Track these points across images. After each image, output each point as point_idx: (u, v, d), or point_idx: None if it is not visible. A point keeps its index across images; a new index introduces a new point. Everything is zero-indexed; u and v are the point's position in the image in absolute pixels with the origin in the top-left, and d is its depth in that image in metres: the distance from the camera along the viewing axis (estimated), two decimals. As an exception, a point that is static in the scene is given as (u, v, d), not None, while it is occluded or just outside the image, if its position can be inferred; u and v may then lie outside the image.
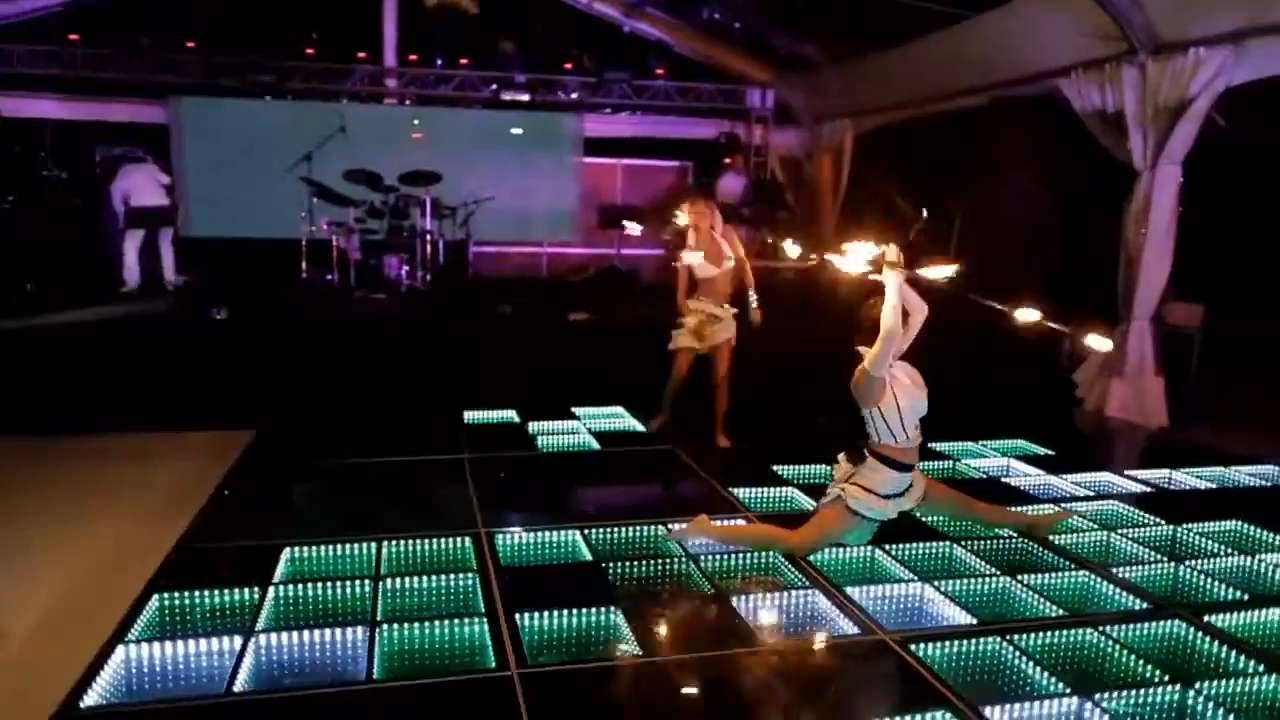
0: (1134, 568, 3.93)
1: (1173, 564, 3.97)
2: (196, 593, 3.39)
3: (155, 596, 3.36)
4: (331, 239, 9.43)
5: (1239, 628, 3.41)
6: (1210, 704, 2.83)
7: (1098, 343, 3.66)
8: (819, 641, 3.17)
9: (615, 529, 4.15)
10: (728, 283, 5.65)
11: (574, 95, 12.08)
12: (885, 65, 10.39)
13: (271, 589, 3.44)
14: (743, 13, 11.74)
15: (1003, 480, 5.20)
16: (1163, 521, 4.54)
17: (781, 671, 2.90)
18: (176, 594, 3.38)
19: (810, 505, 4.47)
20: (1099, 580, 3.78)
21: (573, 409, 6.51)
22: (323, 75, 11.22)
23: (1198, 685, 2.93)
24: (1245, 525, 4.48)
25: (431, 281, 9.48)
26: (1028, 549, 4.12)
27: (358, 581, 3.52)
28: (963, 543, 4.10)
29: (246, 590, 3.42)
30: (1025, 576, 3.76)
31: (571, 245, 12.53)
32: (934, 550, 4.06)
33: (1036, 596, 3.61)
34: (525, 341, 7.48)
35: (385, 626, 3.15)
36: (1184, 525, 4.44)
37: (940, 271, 3.54)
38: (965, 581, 3.71)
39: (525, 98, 11.66)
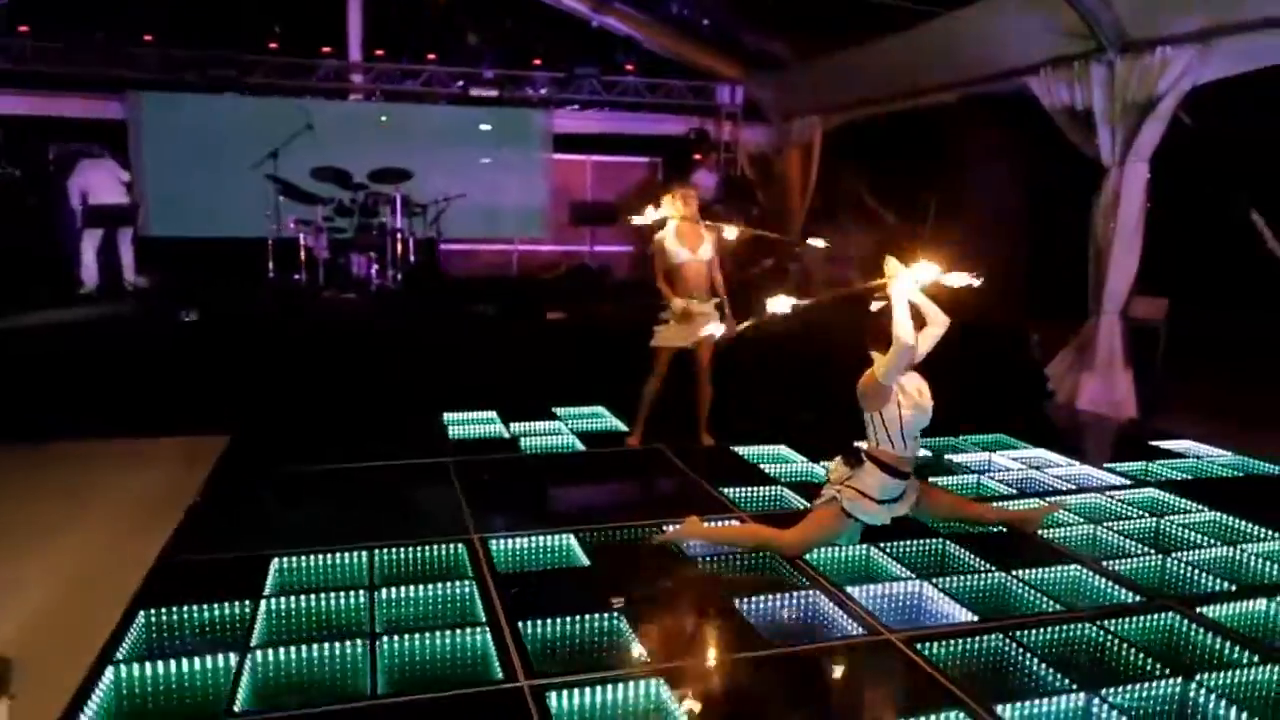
0: (1122, 561, 3.99)
1: (1160, 556, 4.04)
2: (185, 608, 3.28)
3: (141, 613, 3.24)
4: (299, 238, 9.23)
5: (1230, 618, 3.47)
6: (1212, 696, 2.88)
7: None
8: (826, 643, 3.15)
9: (610, 532, 4.12)
10: (707, 275, 5.59)
11: (543, 91, 11.96)
12: (854, 62, 10.43)
13: (263, 602, 3.35)
14: (711, 9, 11.72)
15: (986, 475, 5.25)
16: (1145, 514, 4.63)
17: (793, 675, 2.88)
18: (164, 610, 3.27)
19: (796, 501, 4.50)
20: (1091, 574, 3.83)
21: (554, 409, 6.45)
22: (286, 70, 10.97)
23: (1198, 677, 2.97)
24: (1224, 516, 4.58)
25: (402, 280, 9.33)
26: (1019, 544, 4.16)
27: (352, 592, 3.44)
28: (956, 540, 4.13)
29: (237, 604, 3.32)
30: (1020, 572, 3.79)
31: (542, 243, 12.43)
32: (929, 547, 4.08)
33: (1032, 591, 3.65)
34: (502, 341, 7.39)
35: (385, 639, 3.08)
36: (1166, 518, 4.53)
37: (960, 279, 3.55)
38: (962, 578, 3.73)
39: (494, 94, 11.52)
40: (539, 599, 3.38)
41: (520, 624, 3.17)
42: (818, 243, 3.75)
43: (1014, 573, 3.78)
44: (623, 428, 5.97)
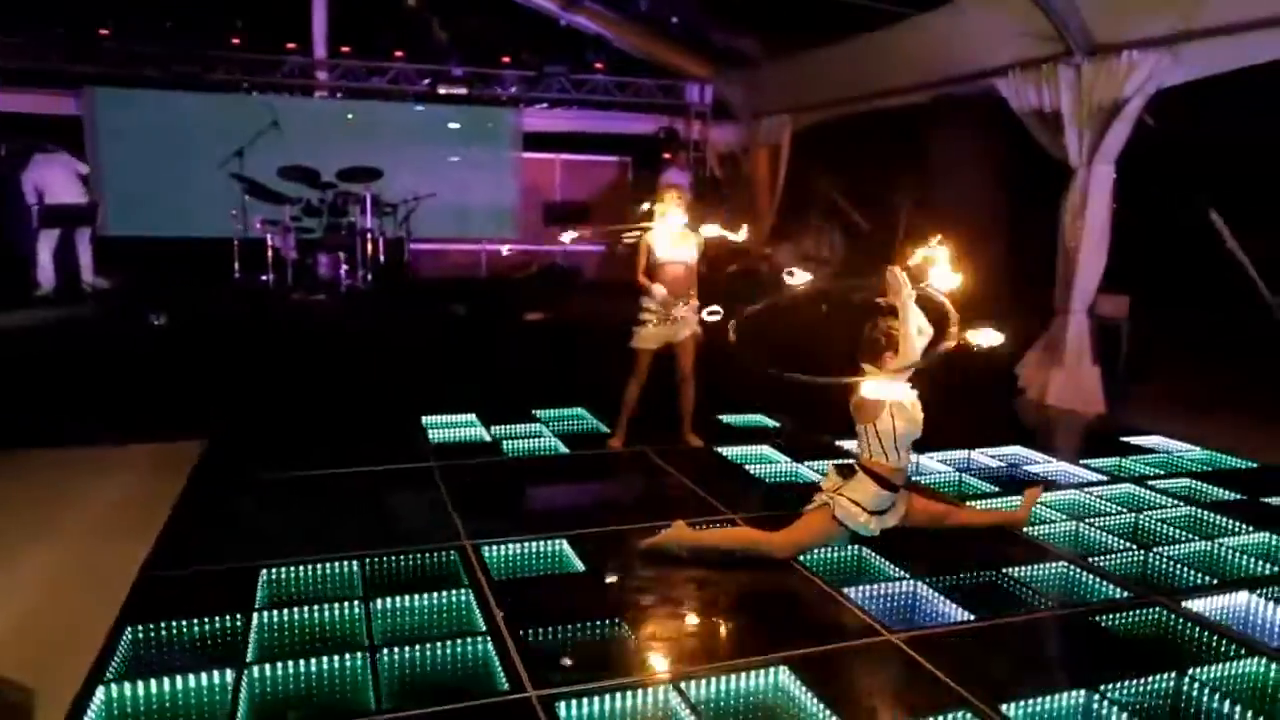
0: (1107, 556, 4.07)
1: (1142, 551, 4.13)
2: (174, 623, 3.20)
3: (129, 628, 3.15)
4: (266, 238, 9.05)
5: (1215, 611, 3.56)
6: (1205, 689, 2.94)
7: (987, 338, 3.73)
8: (830, 645, 3.16)
9: (602, 535, 4.09)
10: (689, 276, 5.58)
11: (512, 90, 11.87)
12: (824, 62, 10.51)
13: (255, 615, 3.27)
14: (681, 7, 11.72)
15: (967, 472, 5.32)
16: (1124, 509, 4.73)
17: (803, 678, 2.89)
18: (152, 625, 3.18)
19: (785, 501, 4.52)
20: (1078, 570, 3.90)
21: (534, 411, 6.40)
22: (250, 67, 10.74)
23: (1191, 671, 3.04)
24: (1198, 510, 4.69)
25: (373, 281, 9.20)
26: (1009, 542, 4.22)
27: (346, 603, 3.37)
28: (947, 538, 4.17)
29: (228, 618, 3.24)
30: (1010, 569, 3.85)
31: (511, 242, 12.33)
32: (914, 545, 4.12)
33: (1023, 589, 3.70)
34: (478, 342, 7.32)
35: (385, 650, 3.02)
36: (1144, 513, 4.63)
37: (990, 337, 3.60)
38: (954, 577, 3.77)
39: (462, 92, 11.40)
40: (538, 607, 3.35)
41: (523, 633, 3.14)
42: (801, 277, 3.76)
43: (1004, 570, 3.84)
44: (604, 429, 5.94)
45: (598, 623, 3.25)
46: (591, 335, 6.79)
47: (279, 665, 2.92)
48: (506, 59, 11.90)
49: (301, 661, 2.94)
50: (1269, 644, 3.32)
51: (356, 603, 3.38)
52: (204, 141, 9.55)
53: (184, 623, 3.20)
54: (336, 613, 3.33)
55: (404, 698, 2.80)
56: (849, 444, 5.70)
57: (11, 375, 6.16)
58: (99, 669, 2.87)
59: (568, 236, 6.30)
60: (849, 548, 3.98)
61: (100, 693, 2.75)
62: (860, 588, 3.64)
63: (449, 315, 7.46)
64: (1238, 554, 4.13)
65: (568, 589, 3.64)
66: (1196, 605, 3.58)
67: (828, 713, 2.72)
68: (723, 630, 3.27)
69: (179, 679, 2.82)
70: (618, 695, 2.77)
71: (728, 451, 5.62)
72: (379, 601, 3.39)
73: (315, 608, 3.33)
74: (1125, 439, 6.21)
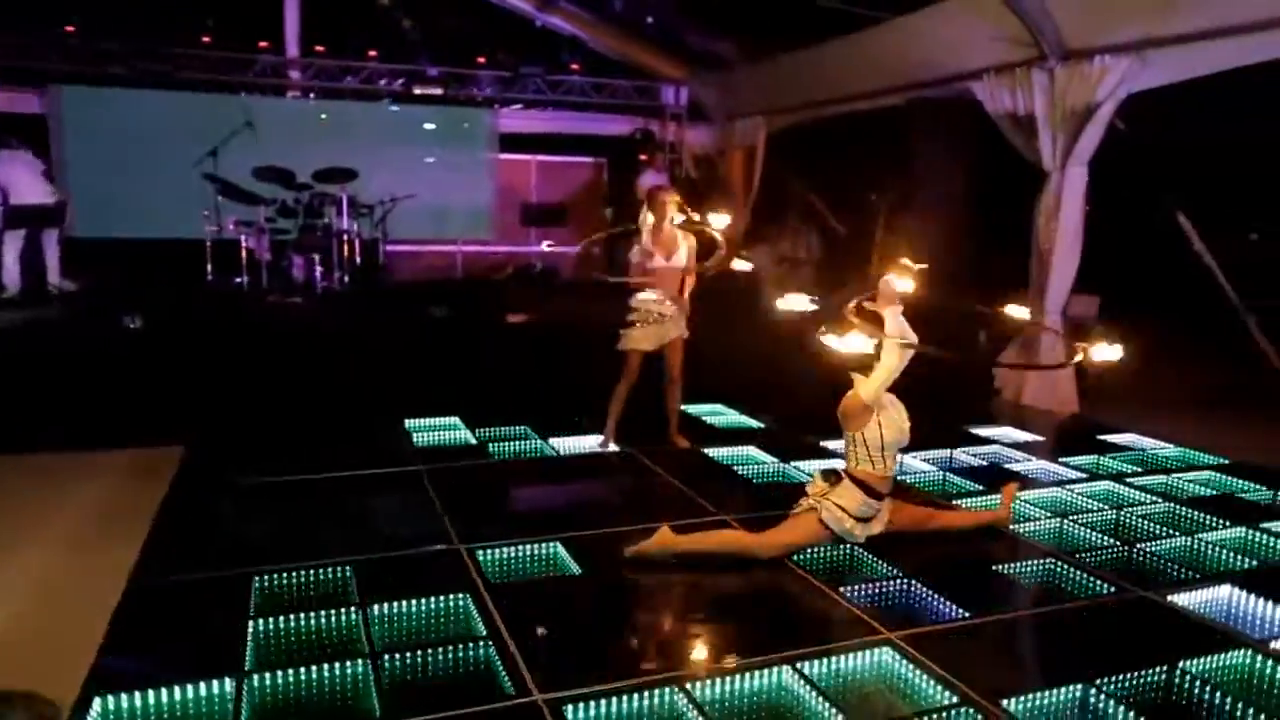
0: (1092, 553, 4.15)
1: (1126, 547, 4.22)
2: (167, 630, 3.14)
3: (121, 638, 3.09)
4: (240, 239, 8.92)
5: (1199, 605, 3.64)
6: (1195, 681, 3.01)
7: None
8: (830, 645, 3.18)
9: (596, 538, 4.09)
10: (678, 278, 5.60)
11: (488, 91, 11.81)
12: (800, 64, 10.59)
13: (250, 623, 3.22)
14: (656, 8, 11.75)
15: (949, 471, 5.39)
16: (1105, 506, 4.82)
17: (807, 678, 2.91)
18: (145, 633, 3.12)
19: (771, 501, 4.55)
20: (1064, 566, 3.97)
21: (518, 413, 6.37)
22: (221, 65, 10.57)
23: (1181, 664, 3.11)
24: (1176, 506, 4.80)
25: (349, 283, 9.10)
26: (995, 539, 4.29)
27: (343, 610, 3.34)
28: (939, 538, 4.23)
29: (224, 626, 3.19)
30: (999, 566, 3.91)
31: (487, 243, 12.29)
32: (904, 544, 4.17)
33: (1014, 586, 3.76)
34: (460, 344, 7.27)
35: (386, 656, 3.00)
36: (1124, 510, 4.72)
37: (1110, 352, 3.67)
38: (945, 575, 3.82)
39: (438, 92, 11.33)
40: (539, 610, 3.34)
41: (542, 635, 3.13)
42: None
43: (993, 567, 3.91)
44: (593, 431, 5.92)
45: (599, 624, 3.24)
46: (578, 337, 6.77)
47: (279, 674, 2.88)
48: (482, 59, 11.84)
49: (302, 669, 2.90)
50: (1252, 636, 3.41)
51: (353, 608, 3.34)
52: (175, 141, 9.39)
53: (178, 630, 3.15)
54: (333, 619, 3.29)
55: (407, 704, 2.77)
56: (832, 444, 5.78)
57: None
58: (94, 677, 2.81)
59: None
60: (841, 548, 4.02)
61: (97, 704, 2.70)
62: (855, 587, 3.67)
63: (429, 317, 7.40)
64: (1217, 548, 4.24)
65: (566, 592, 3.63)
66: (1181, 600, 3.66)
67: (833, 711, 2.74)
68: (723, 631, 3.28)
69: (178, 689, 2.77)
70: (624, 697, 2.77)
71: (714, 452, 5.64)
72: (376, 607, 3.36)
73: (311, 614, 3.30)
74: (1101, 437, 6.33)
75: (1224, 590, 3.78)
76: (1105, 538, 4.34)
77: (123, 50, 10.01)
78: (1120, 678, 3.00)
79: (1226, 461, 5.70)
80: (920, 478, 5.26)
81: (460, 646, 3.07)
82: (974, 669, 3.01)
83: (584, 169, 12.89)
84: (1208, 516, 4.63)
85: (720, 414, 6.78)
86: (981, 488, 5.01)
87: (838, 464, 4.10)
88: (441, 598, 3.44)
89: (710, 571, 3.77)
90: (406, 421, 6.12)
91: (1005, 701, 2.82)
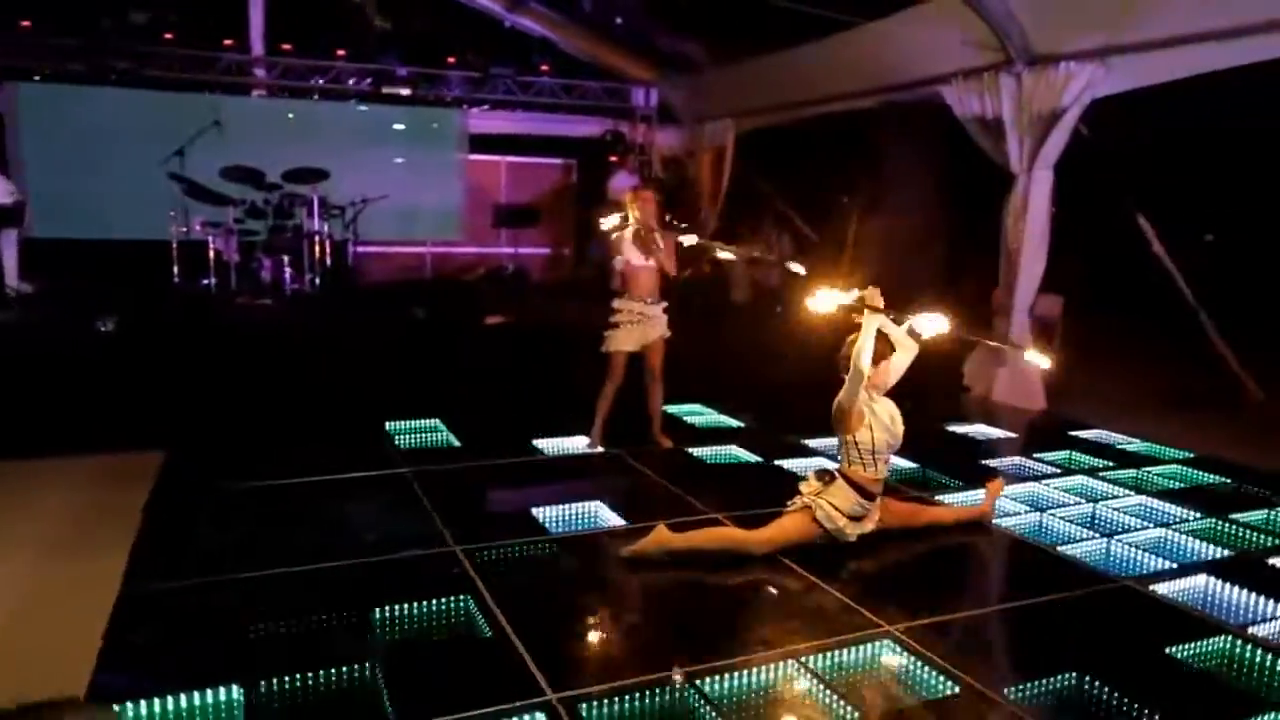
0: (1074, 545, 4.27)
1: (1105, 539, 4.35)
2: (168, 641, 3.09)
3: (117, 648, 3.04)
4: (207, 240, 8.77)
5: (1179, 594, 3.78)
6: (1181, 667, 3.13)
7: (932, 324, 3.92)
8: (833, 639, 3.24)
9: (593, 539, 4.12)
10: (658, 280, 5.64)
11: (457, 91, 11.75)
12: (769, 67, 10.70)
13: (253, 629, 3.19)
14: (625, 10, 11.79)
15: (928, 467, 5.50)
16: (1081, 499, 4.96)
17: (811, 673, 2.97)
18: (141, 642, 3.07)
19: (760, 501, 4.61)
20: (1049, 559, 4.08)
21: (501, 415, 6.36)
22: (185, 63, 10.37)
23: (1167, 649, 3.22)
24: (1149, 499, 4.96)
25: (320, 285, 8.99)
26: (980, 534, 4.39)
27: (346, 612, 3.32)
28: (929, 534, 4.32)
29: (227, 633, 3.15)
30: (989, 561, 4.01)
31: (455, 244, 12.23)
32: (895, 542, 4.25)
33: (1003, 579, 3.86)
34: (437, 345, 7.23)
35: (394, 660, 2.98)
36: (1100, 503, 4.87)
37: (933, 323, 3.75)
38: (936, 570, 3.91)
39: (407, 92, 11.23)
40: (543, 610, 3.35)
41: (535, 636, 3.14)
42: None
43: (982, 562, 4.01)
44: (579, 432, 5.93)
45: (605, 624, 3.27)
46: (558, 338, 6.78)
47: (288, 679, 2.85)
48: (452, 60, 11.77)
49: (310, 675, 2.88)
50: (1231, 622, 3.54)
51: (355, 612, 3.32)
52: (139, 140, 9.20)
53: (177, 639, 3.10)
54: (337, 622, 3.27)
55: (420, 708, 2.77)
56: (813, 442, 5.87)
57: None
58: (95, 688, 2.76)
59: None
60: (834, 544, 4.09)
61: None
62: (850, 582, 3.74)
63: (409, 319, 7.35)
64: (1190, 539, 4.39)
65: (568, 591, 3.64)
66: (1162, 589, 3.80)
67: (841, 702, 2.80)
68: (727, 627, 3.32)
69: (184, 697, 2.74)
70: (637, 695, 2.79)
71: (698, 452, 5.69)
72: (379, 611, 3.34)
73: (314, 619, 3.27)
74: (1072, 433, 6.50)
75: (1200, 579, 3.92)
76: (1085, 531, 4.47)
77: (82, 47, 9.78)
78: (1111, 664, 3.11)
79: (1192, 455, 5.89)
80: (901, 475, 5.35)
81: (467, 649, 3.07)
82: (973, 659, 3.09)
83: (554, 170, 12.88)
84: (1179, 508, 4.79)
85: (699, 414, 6.83)
86: (960, 483, 5.12)
87: (829, 464, 4.17)
88: (444, 599, 3.43)
89: (707, 569, 3.82)
90: (388, 424, 6.07)
91: (1006, 690, 2.90)
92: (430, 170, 11.42)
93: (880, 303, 3.83)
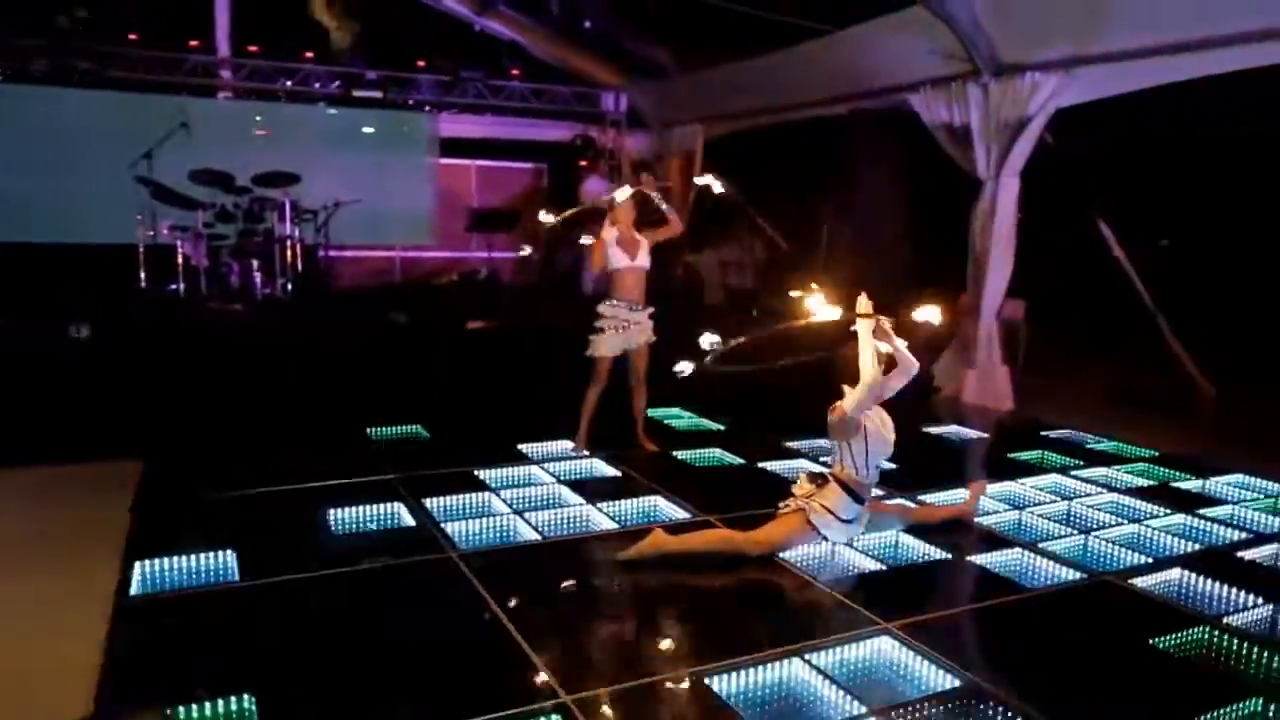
0: (1054, 542, 4.41)
1: (1082, 536, 4.50)
2: (172, 650, 3.07)
3: (120, 660, 3.01)
4: (176, 245, 8.62)
5: (1156, 587, 3.93)
6: (1164, 657, 3.27)
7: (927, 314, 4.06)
8: (834, 636, 3.32)
9: (586, 543, 4.16)
10: (643, 281, 5.69)
11: (427, 95, 11.69)
12: (738, 73, 10.83)
13: (258, 635, 3.18)
14: (594, 15, 11.84)
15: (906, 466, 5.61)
16: (1056, 498, 5.12)
17: (817, 670, 3.04)
18: (146, 653, 3.04)
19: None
20: (1031, 556, 4.22)
21: (485, 420, 6.36)
22: (150, 64, 10.18)
23: (1150, 640, 3.36)
24: (1120, 496, 5.14)
25: (292, 290, 8.89)
26: (965, 533, 4.52)
27: (351, 617, 3.32)
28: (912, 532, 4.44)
29: (233, 640, 3.14)
30: (975, 558, 4.13)
31: (425, 249, 12.16)
32: (886, 540, 4.37)
33: (990, 576, 3.98)
34: (418, 350, 7.20)
35: (406, 664, 3.00)
36: (1075, 501, 5.03)
37: (927, 313, 3.86)
38: (927, 568, 4.02)
39: (377, 95, 11.15)
40: (548, 612, 3.39)
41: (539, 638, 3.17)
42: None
43: (967, 559, 4.13)
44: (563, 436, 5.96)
45: (608, 626, 3.31)
46: (542, 342, 6.78)
47: (297, 686, 2.85)
48: (421, 63, 11.72)
49: (319, 680, 2.88)
50: (1206, 613, 3.69)
51: (361, 617, 3.33)
52: (103, 143, 9.01)
53: (185, 647, 3.08)
54: (344, 627, 3.27)
55: (435, 708, 2.79)
56: (795, 443, 5.98)
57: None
58: (103, 702, 2.74)
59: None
60: (832, 545, 4.18)
61: (115, 726, 2.64)
62: (845, 582, 3.83)
63: (388, 324, 7.31)
64: (1162, 534, 4.56)
65: (569, 595, 3.68)
66: (1139, 582, 3.95)
67: (847, 698, 2.87)
68: (730, 627, 3.38)
69: (197, 707, 2.72)
70: (650, 693, 2.84)
71: (683, 455, 5.75)
72: (385, 613, 3.35)
73: (320, 624, 3.27)
74: (1042, 433, 6.69)
75: (1175, 572, 4.08)
76: (1063, 528, 4.62)
77: (43, 47, 9.55)
78: (1101, 655, 3.23)
79: (1157, 454, 6.10)
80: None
81: (475, 651, 3.09)
82: (969, 653, 3.19)
83: (524, 174, 12.87)
84: (1149, 505, 4.97)
85: (678, 417, 6.89)
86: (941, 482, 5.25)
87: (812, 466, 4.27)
88: (449, 603, 3.45)
89: (703, 571, 3.88)
90: (369, 430, 6.04)
91: (1007, 681, 3.00)
92: (400, 174, 11.34)
93: (869, 310, 3.93)
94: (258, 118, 10.67)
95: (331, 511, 4.46)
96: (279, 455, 5.44)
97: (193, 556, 3.82)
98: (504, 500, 4.77)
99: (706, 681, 2.94)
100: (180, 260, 8.64)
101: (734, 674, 2.98)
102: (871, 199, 9.45)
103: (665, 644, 3.22)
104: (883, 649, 3.27)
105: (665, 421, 6.67)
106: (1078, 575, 4.01)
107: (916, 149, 8.87)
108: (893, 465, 5.55)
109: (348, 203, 9.57)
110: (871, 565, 4.05)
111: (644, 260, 5.63)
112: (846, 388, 4.00)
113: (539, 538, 4.26)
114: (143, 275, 8.70)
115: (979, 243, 8.17)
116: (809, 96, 10.08)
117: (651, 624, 3.38)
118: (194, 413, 6.11)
